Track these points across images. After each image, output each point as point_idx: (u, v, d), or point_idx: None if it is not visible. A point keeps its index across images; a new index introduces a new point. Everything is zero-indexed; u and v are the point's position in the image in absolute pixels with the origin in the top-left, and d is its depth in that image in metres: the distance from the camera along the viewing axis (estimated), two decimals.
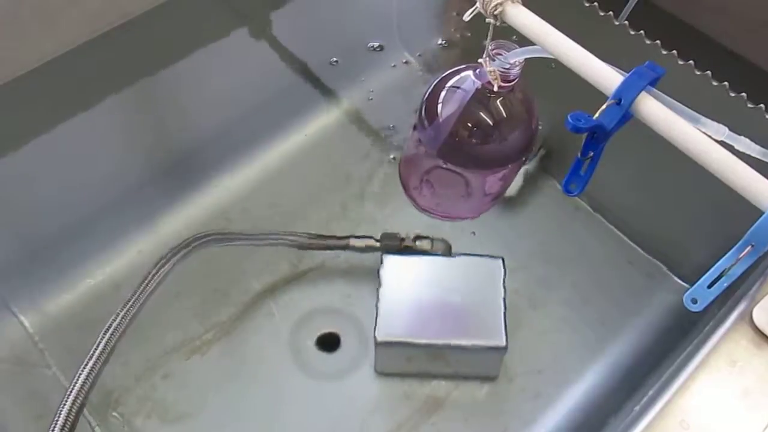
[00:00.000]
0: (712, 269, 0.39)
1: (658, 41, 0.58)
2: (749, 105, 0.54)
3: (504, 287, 0.62)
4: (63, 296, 0.69)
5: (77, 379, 0.49)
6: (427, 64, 0.85)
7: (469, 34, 0.78)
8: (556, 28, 0.43)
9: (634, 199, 0.71)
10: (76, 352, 0.65)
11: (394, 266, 0.64)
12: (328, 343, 0.68)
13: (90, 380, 0.49)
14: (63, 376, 0.65)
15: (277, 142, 0.79)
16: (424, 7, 0.83)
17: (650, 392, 0.42)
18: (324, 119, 0.82)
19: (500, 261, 0.64)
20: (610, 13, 0.61)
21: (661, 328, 0.68)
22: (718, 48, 0.62)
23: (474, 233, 0.74)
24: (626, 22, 0.59)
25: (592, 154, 0.41)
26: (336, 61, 0.81)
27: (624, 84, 0.39)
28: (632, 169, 0.68)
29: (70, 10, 0.57)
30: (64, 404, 0.48)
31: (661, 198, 0.70)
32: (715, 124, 0.39)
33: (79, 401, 0.48)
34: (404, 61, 0.86)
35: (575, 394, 0.65)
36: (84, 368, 0.50)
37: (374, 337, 0.60)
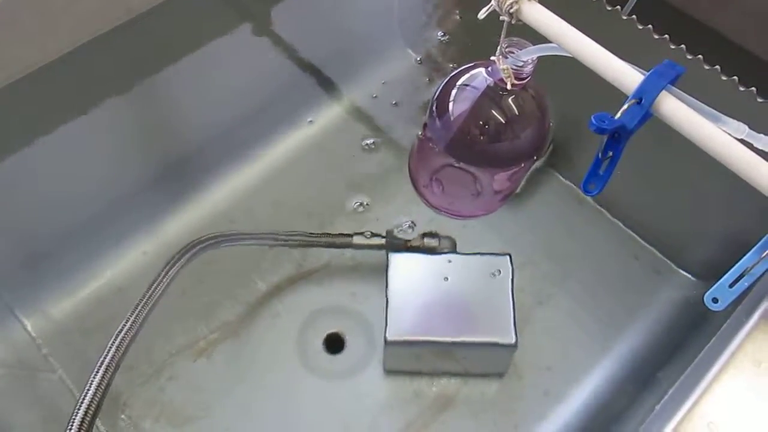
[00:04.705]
0: (734, 268, 0.39)
1: (666, 36, 0.57)
2: (759, 99, 0.54)
3: (512, 284, 0.62)
4: (66, 300, 0.68)
5: (89, 387, 0.48)
6: (430, 60, 0.84)
7: (471, 30, 0.78)
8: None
9: (640, 194, 0.71)
10: (81, 356, 0.66)
11: (401, 265, 0.64)
12: (336, 342, 0.68)
13: (101, 389, 0.48)
14: (68, 380, 0.64)
15: (280, 140, 0.78)
16: (426, 2, 0.82)
17: (670, 391, 0.42)
18: (327, 117, 0.81)
19: (507, 258, 0.64)
20: (618, 7, 0.60)
21: (669, 322, 0.68)
22: (725, 42, 0.61)
23: (478, 229, 0.74)
24: (634, 16, 0.59)
25: (611, 153, 0.40)
26: (337, 59, 0.80)
27: (644, 83, 0.39)
28: (637, 163, 0.67)
29: (72, 8, 0.56)
30: (77, 413, 0.47)
31: (667, 192, 0.70)
32: (735, 122, 0.39)
33: (92, 410, 0.47)
34: (407, 57, 0.85)
35: (585, 389, 0.65)
36: (95, 376, 0.48)
37: (384, 336, 0.60)
